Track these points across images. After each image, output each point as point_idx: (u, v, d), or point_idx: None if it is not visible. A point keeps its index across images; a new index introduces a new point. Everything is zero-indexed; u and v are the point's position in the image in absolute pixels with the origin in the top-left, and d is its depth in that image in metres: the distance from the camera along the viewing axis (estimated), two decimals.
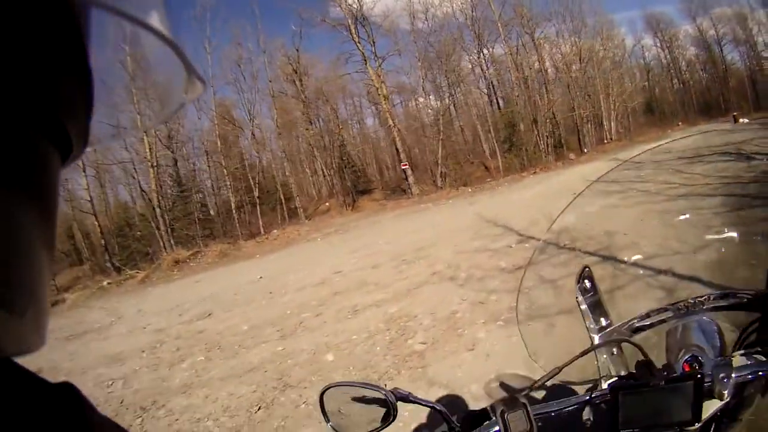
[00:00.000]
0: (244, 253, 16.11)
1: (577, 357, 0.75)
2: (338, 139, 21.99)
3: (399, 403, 0.69)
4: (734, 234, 0.94)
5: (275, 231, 18.60)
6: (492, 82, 25.44)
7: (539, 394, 0.69)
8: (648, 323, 0.89)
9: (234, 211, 20.51)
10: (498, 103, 25.40)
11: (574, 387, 0.90)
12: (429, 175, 20.52)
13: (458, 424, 0.68)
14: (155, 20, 0.17)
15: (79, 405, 0.21)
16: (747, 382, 0.67)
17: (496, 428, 0.66)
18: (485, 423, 0.67)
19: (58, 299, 13.92)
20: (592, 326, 0.91)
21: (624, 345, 0.84)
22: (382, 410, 0.70)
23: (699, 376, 0.64)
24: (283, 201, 21.03)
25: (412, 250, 7.44)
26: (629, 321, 0.91)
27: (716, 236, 0.97)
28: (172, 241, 18.60)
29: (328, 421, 0.73)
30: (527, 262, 0.98)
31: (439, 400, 2.30)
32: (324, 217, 20.31)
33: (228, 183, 21.11)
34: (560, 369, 0.72)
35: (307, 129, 21.55)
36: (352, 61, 22.27)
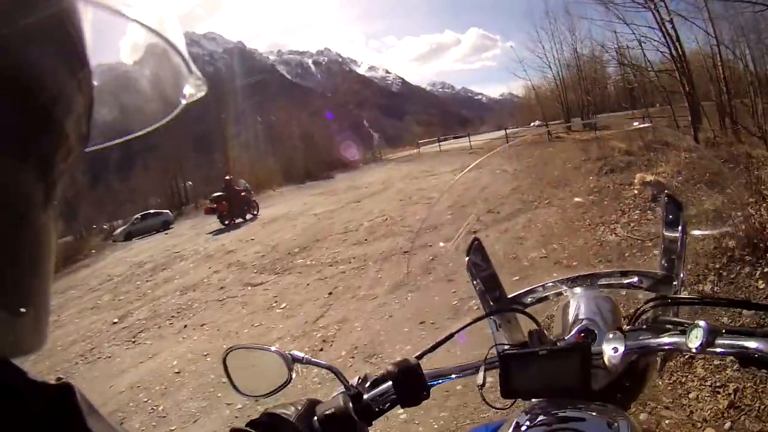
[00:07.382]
0: None
1: (470, 324, 0.77)
2: None
3: (297, 365, 0.70)
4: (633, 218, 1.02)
5: None
6: None
7: (433, 360, 0.76)
8: (544, 295, 0.91)
9: None
10: None
11: (468, 354, 0.92)
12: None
13: (354, 386, 0.69)
14: (156, 21, 0.17)
15: (77, 406, 0.20)
16: (639, 357, 0.68)
17: (391, 391, 0.68)
18: (381, 386, 0.69)
19: None
20: (485, 296, 0.90)
21: (520, 315, 0.85)
22: (281, 372, 0.71)
23: (586, 346, 0.65)
24: None
25: None
26: (525, 291, 0.92)
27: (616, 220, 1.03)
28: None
29: (232, 383, 0.74)
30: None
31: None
32: None
33: None
34: (453, 335, 0.74)
35: None
36: None
